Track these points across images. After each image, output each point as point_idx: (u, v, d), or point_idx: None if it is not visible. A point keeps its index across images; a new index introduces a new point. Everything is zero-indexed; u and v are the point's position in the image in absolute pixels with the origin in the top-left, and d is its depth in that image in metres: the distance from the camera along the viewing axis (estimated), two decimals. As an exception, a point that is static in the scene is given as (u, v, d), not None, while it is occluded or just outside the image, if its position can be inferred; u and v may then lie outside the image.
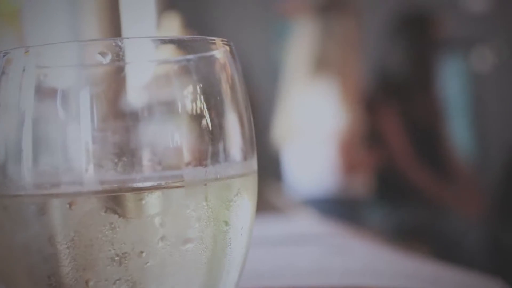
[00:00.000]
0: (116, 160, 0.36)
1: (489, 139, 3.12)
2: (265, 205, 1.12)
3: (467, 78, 3.53)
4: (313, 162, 2.47)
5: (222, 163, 0.36)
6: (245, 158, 0.37)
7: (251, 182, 0.37)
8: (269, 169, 3.53)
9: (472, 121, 2.85)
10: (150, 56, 0.38)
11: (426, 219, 2.64)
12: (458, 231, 2.58)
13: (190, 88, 0.38)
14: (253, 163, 0.38)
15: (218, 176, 0.35)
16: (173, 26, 0.84)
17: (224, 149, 0.37)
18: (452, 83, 3.59)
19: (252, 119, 0.38)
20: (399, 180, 2.68)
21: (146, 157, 0.36)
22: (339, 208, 2.45)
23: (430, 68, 2.73)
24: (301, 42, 2.51)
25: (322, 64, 2.43)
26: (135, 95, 0.37)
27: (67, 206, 0.33)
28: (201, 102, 0.37)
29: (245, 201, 0.36)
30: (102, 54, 0.36)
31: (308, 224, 0.88)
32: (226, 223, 0.35)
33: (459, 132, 3.51)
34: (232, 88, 0.37)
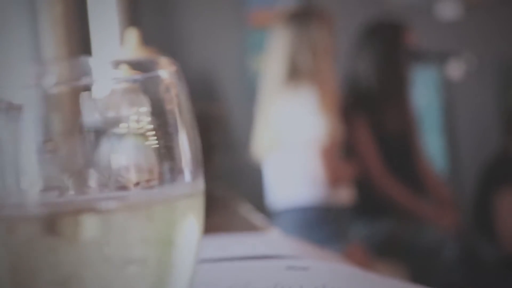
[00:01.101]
0: (59, 182, 0.36)
1: (462, 150, 3.15)
2: (238, 222, 1.12)
3: (439, 88, 3.57)
4: (293, 173, 2.47)
5: (168, 184, 0.37)
6: (191, 178, 0.38)
7: (198, 203, 0.38)
8: (249, 182, 3.54)
9: (445, 131, 2.88)
10: (97, 77, 0.39)
11: (400, 232, 2.66)
12: (432, 244, 2.60)
13: (136, 109, 0.38)
14: (200, 183, 0.38)
15: (164, 197, 0.36)
16: (132, 44, 0.84)
17: (170, 170, 0.37)
18: (424, 93, 3.62)
19: (198, 139, 0.39)
20: (372, 193, 2.70)
21: (91, 178, 0.36)
22: (318, 220, 2.46)
23: (402, 78, 2.75)
24: (276, 52, 2.52)
25: (298, 74, 2.45)
26: (80, 116, 0.37)
27: (7, 230, 0.33)
28: (147, 122, 0.38)
29: (191, 222, 0.37)
30: (43, 75, 0.36)
31: (275, 241, 0.88)
32: (171, 245, 0.35)
33: (432, 143, 3.54)
34: (178, 108, 0.38)
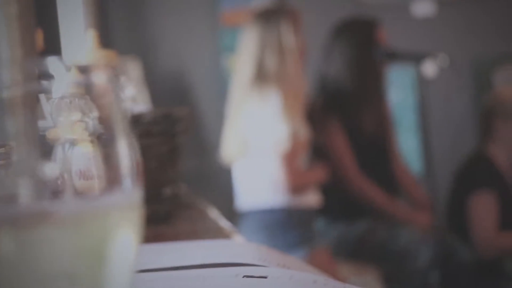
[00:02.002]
0: (6, 189, 0.35)
1: (437, 150, 3.16)
2: (203, 228, 1.11)
3: (414, 88, 3.58)
4: (260, 176, 2.46)
5: (102, 194, 0.36)
6: (127, 188, 0.37)
7: (133, 214, 0.37)
8: (220, 184, 3.53)
9: (420, 131, 2.89)
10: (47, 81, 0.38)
11: (375, 233, 2.65)
12: (408, 246, 2.60)
13: (71, 115, 0.37)
14: (136, 194, 0.37)
15: (96, 208, 0.35)
16: (89, 46, 0.83)
17: (105, 179, 0.36)
18: (400, 92, 3.63)
19: (135, 146, 0.38)
20: (347, 194, 2.70)
21: (22, 188, 0.35)
22: (285, 223, 2.45)
23: (376, 77, 2.74)
24: (244, 53, 2.50)
25: (265, 75, 2.43)
26: (15, 122, 0.36)
27: None
28: (80, 129, 0.37)
29: (126, 234, 0.36)
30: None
31: (238, 248, 0.88)
32: (104, 258, 0.34)
33: (407, 143, 3.55)
34: (113, 114, 0.37)
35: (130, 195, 0.37)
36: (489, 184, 2.67)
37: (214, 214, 1.31)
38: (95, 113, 0.38)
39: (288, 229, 2.44)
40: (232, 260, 0.75)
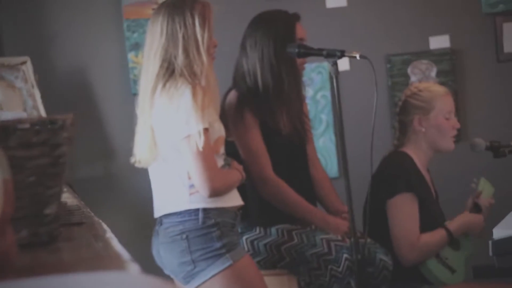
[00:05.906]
0: None
1: (354, 151, 3.12)
2: (97, 258, 0.99)
3: (329, 82, 3.55)
4: (174, 178, 2.34)
5: None
6: None
7: None
8: (129, 191, 3.39)
9: (336, 132, 2.84)
10: None
11: (291, 240, 2.58)
12: (326, 253, 2.55)
13: None
14: None
15: None
16: None
17: None
18: (315, 87, 3.59)
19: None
20: (259, 199, 2.61)
21: None
22: (207, 227, 2.33)
23: (291, 73, 2.65)
24: (150, 46, 2.35)
25: (171, 70, 2.30)
26: None
27: None
28: None
29: None
30: None
31: (119, 283, 0.77)
32: None
33: (324, 143, 3.50)
34: None
35: None
36: (407, 186, 2.62)
37: (109, 234, 1.19)
38: None
39: (208, 233, 2.32)
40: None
